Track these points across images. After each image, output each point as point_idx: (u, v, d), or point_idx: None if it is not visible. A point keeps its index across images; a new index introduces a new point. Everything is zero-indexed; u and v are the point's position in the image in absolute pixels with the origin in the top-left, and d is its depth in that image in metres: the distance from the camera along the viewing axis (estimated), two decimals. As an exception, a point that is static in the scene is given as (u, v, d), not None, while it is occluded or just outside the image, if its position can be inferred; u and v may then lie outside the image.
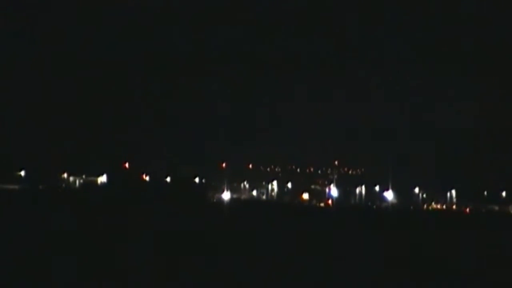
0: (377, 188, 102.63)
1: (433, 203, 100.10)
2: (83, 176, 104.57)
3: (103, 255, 26.33)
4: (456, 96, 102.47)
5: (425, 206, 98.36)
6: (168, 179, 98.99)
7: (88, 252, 27.07)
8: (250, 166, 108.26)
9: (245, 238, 34.76)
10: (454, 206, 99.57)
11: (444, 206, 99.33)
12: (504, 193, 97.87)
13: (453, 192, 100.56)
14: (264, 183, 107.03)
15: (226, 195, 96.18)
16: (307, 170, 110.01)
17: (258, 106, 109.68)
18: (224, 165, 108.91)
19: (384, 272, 25.46)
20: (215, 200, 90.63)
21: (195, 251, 29.26)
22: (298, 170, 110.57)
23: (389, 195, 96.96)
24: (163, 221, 41.56)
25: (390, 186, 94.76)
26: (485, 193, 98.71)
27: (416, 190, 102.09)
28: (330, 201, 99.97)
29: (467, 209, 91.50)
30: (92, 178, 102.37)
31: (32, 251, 26.83)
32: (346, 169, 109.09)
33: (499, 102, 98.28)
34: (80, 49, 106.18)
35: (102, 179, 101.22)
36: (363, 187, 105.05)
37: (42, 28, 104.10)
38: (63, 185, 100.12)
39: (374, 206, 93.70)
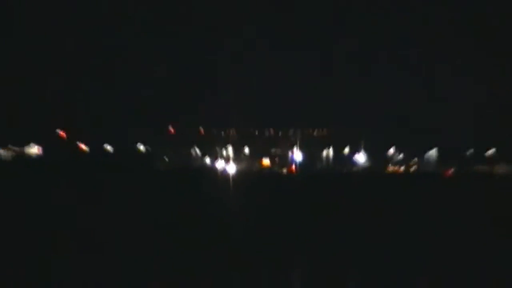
0: (346, 150, 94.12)
1: (389, 166, 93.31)
2: (9, 146, 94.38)
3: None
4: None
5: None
6: (109, 147, 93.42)
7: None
8: (201, 130, 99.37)
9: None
10: (412, 168, 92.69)
11: (402, 169, 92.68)
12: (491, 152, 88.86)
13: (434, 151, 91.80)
14: (217, 148, 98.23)
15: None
16: (266, 133, 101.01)
17: (208, 61, 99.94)
18: (172, 130, 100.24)
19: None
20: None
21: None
22: (256, 132, 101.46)
23: (360, 158, 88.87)
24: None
25: (362, 148, 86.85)
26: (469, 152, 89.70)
27: (391, 151, 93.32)
28: (293, 167, 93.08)
29: (449, 171, 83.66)
30: (21, 148, 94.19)
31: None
32: (310, 130, 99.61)
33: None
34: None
35: (34, 149, 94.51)
36: (331, 149, 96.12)
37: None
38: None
39: (344, 171, 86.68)
